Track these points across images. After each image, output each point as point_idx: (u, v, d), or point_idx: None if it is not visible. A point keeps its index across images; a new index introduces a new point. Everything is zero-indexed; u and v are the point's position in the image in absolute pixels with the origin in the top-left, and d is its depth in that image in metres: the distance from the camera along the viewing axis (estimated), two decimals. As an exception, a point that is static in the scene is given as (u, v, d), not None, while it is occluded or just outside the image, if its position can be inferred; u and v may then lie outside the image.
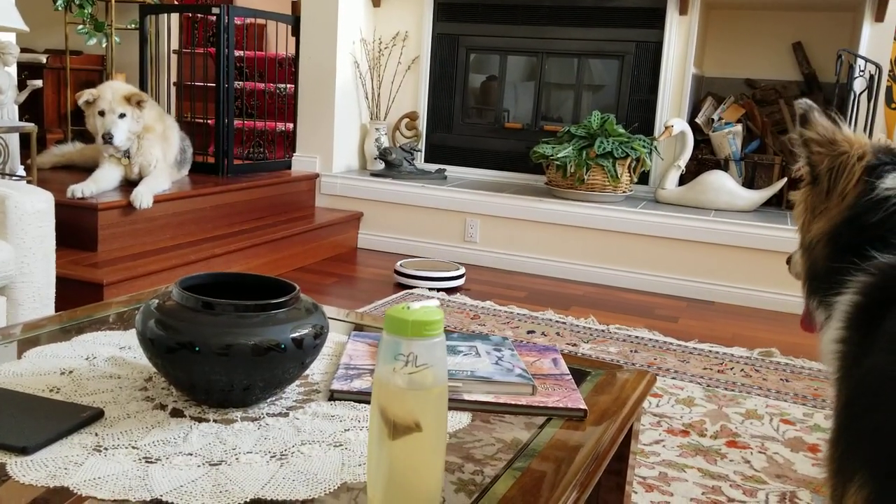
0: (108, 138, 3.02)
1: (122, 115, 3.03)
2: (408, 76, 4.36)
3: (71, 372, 1.12)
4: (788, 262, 1.26)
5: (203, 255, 2.97)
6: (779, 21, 3.94)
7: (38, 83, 2.94)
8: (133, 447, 0.91)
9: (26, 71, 4.40)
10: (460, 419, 1.07)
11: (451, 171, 4.30)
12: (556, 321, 2.93)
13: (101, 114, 3.04)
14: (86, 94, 3.05)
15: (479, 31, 4.26)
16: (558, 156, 3.64)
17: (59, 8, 4.29)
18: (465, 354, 1.26)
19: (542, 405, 1.12)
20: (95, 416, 0.97)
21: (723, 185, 3.68)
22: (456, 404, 1.09)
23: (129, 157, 3.11)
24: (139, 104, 3.07)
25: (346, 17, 4.12)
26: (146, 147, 3.13)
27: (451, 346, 1.29)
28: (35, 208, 1.97)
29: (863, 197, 1.02)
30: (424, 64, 4.34)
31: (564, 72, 4.22)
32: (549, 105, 4.28)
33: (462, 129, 4.37)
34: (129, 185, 3.10)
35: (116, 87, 3.12)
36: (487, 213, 3.79)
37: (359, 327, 1.49)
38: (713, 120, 3.93)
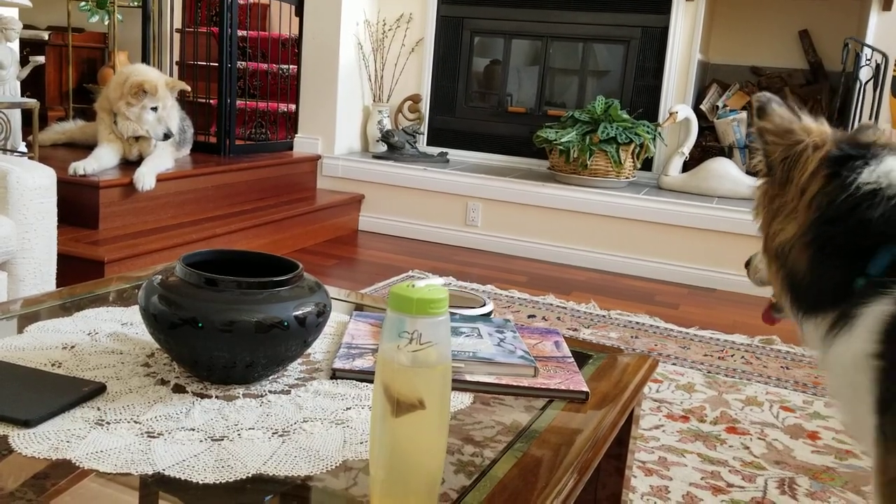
0: (168, 136, 2.98)
1: (165, 108, 2.99)
2: (411, 58, 4.34)
3: (73, 347, 1.12)
4: (747, 266, 1.17)
5: (204, 234, 2.97)
6: (785, 8, 3.91)
7: (41, 59, 2.92)
8: (135, 421, 0.91)
9: (28, 47, 4.37)
10: (462, 400, 1.07)
11: (454, 154, 4.29)
12: (557, 306, 2.93)
13: (154, 109, 2.97)
14: (144, 85, 2.92)
15: (484, 13, 4.23)
16: (561, 141, 3.63)
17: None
18: (467, 336, 1.26)
19: (543, 387, 1.12)
20: (97, 390, 0.97)
21: (727, 172, 3.67)
22: (458, 385, 1.09)
23: (136, 140, 3.07)
24: (175, 92, 3.04)
25: (349, -3, 4.09)
26: None
27: (454, 327, 1.29)
28: (37, 184, 1.97)
29: (836, 194, 0.91)
30: (428, 46, 4.32)
31: (569, 56, 4.20)
32: (553, 90, 4.26)
33: (465, 112, 4.36)
34: (127, 163, 3.09)
35: (159, 77, 3.03)
36: (489, 197, 3.79)
37: (359, 307, 1.49)
38: (718, 107, 3.92)
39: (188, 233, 2.93)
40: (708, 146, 3.90)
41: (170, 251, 2.72)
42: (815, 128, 1.00)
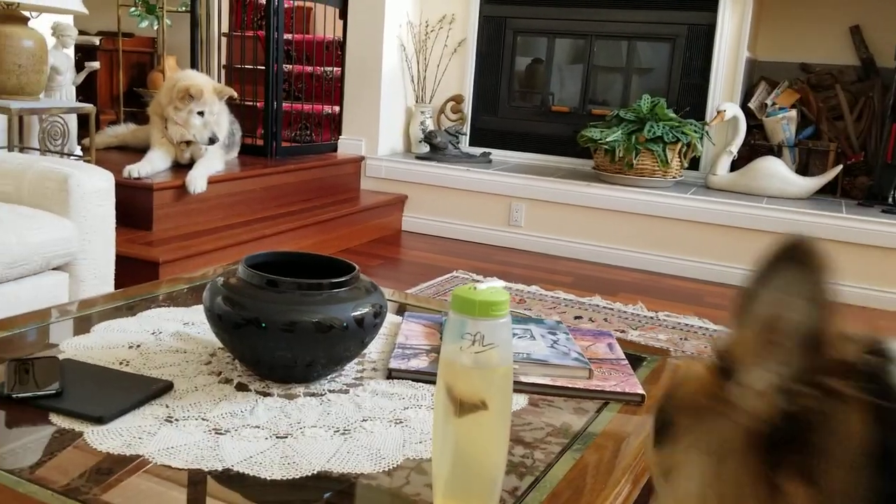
0: (214, 140, 3.02)
1: (213, 112, 3.04)
2: (454, 59, 4.35)
3: (139, 346, 1.16)
4: None
5: (254, 235, 3.02)
6: (836, 3, 3.84)
7: (96, 65, 2.99)
8: (203, 419, 0.93)
9: (80, 53, 4.48)
10: (517, 401, 1.08)
11: (497, 154, 4.29)
12: (604, 307, 2.92)
13: (201, 114, 3.01)
14: (190, 90, 2.96)
15: (526, 13, 4.23)
16: (607, 140, 3.61)
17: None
18: (520, 337, 1.26)
19: (599, 389, 1.12)
20: (165, 388, 1.00)
21: (776, 171, 3.61)
22: (514, 386, 1.10)
23: (187, 144, 3.11)
24: (222, 97, 3.09)
25: (393, 0, 4.12)
26: None
27: (506, 328, 1.30)
28: (96, 187, 2.02)
29: None
30: (470, 47, 4.33)
31: (613, 55, 4.17)
32: (597, 88, 4.24)
33: (508, 112, 4.36)
34: (178, 166, 3.15)
35: (207, 82, 3.08)
36: (533, 197, 3.78)
37: (406, 307, 1.50)
38: (766, 105, 3.86)
39: (238, 234, 2.98)
40: (756, 145, 3.84)
41: (221, 252, 2.77)
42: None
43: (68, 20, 2.95)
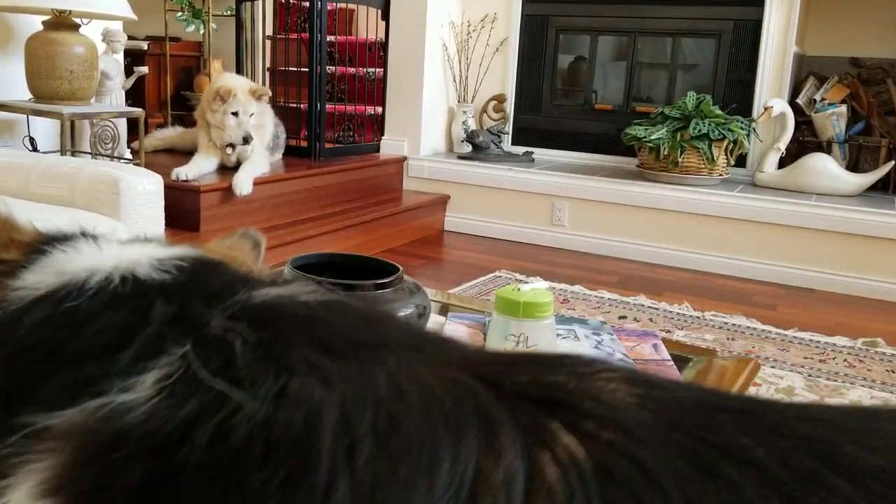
0: (247, 140, 3.04)
1: (251, 114, 3.07)
2: (496, 58, 4.35)
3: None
4: None
5: (298, 236, 3.05)
6: (888, -5, 3.74)
7: (145, 69, 3.05)
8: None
9: (129, 58, 4.58)
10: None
11: (539, 153, 4.27)
12: (649, 307, 2.89)
13: (235, 114, 3.05)
14: (220, 91, 3.01)
15: (569, 10, 4.20)
16: (651, 138, 3.57)
17: (161, -4, 4.45)
18: (563, 338, 1.26)
19: (644, 390, 1.11)
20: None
21: (825, 168, 3.53)
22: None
23: (233, 149, 3.15)
24: (260, 98, 3.12)
25: (435, 0, 4.13)
26: None
27: (550, 328, 1.29)
28: (146, 189, 2.07)
29: None
30: (513, 45, 4.31)
31: (657, 51, 4.12)
32: (641, 86, 4.20)
33: (550, 110, 4.34)
34: (224, 167, 3.20)
35: (243, 84, 3.12)
36: (576, 196, 3.76)
37: (449, 308, 1.51)
38: (815, 101, 3.78)
39: (283, 235, 3.02)
40: (805, 141, 3.76)
41: (266, 253, 2.80)
42: None
43: (118, 26, 3.02)
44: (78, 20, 2.64)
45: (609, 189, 3.67)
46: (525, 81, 4.35)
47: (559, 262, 3.53)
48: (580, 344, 1.23)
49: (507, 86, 4.36)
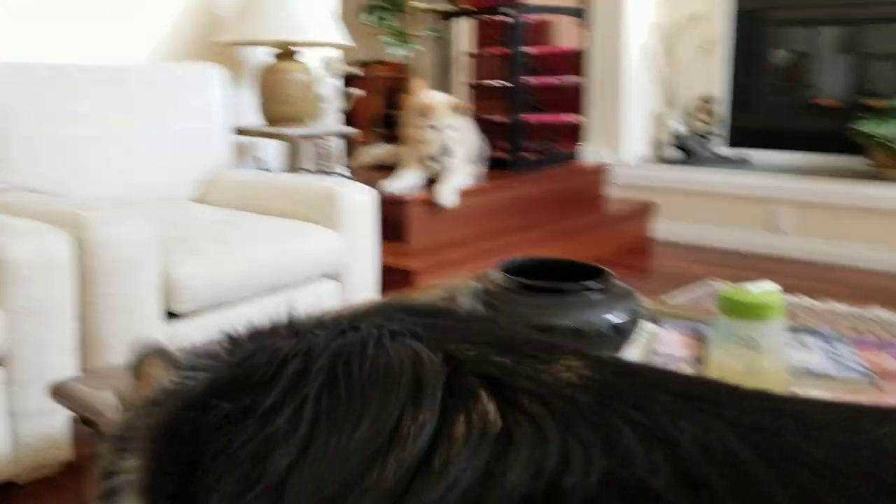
0: (447, 153, 3.15)
1: (451, 128, 3.18)
2: (702, 58, 4.16)
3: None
4: None
5: (500, 245, 3.08)
6: None
7: (361, 92, 3.23)
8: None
9: (344, 81, 4.89)
10: (793, 414, 0.99)
11: (754, 155, 4.02)
12: (887, 320, 2.61)
13: (434, 128, 3.15)
14: (419, 107, 3.16)
15: (785, 3, 3.93)
16: (886, 134, 3.24)
17: (367, 22, 4.71)
18: (793, 348, 1.16)
19: (887, 406, 0.99)
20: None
21: None
22: (787, 398, 1.01)
23: (437, 163, 3.25)
24: (459, 112, 3.21)
25: (634, 3, 4.03)
26: None
27: (775, 337, 1.20)
28: (360, 202, 2.19)
29: None
30: (722, 44, 4.10)
31: (888, 40, 3.74)
32: (869, 78, 3.82)
33: (765, 109, 4.07)
34: (430, 180, 3.31)
35: (443, 100, 3.23)
36: (798, 199, 3.48)
37: (661, 315, 1.44)
38: None
39: (486, 244, 3.07)
40: None
41: (470, 262, 2.86)
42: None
43: (337, 54, 3.22)
44: (303, 50, 2.86)
45: (836, 191, 3.37)
46: (737, 80, 4.12)
47: (779, 271, 3.29)
48: (812, 354, 1.13)
49: (717, 86, 4.15)
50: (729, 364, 0.70)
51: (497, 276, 1.08)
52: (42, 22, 2.36)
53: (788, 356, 0.77)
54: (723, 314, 0.70)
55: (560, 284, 1.03)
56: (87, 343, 1.63)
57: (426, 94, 3.35)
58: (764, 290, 0.70)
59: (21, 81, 2.05)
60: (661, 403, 0.40)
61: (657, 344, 1.23)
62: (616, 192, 4.10)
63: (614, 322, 1.02)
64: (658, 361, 1.14)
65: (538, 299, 1.02)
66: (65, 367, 1.56)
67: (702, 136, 3.96)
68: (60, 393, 1.12)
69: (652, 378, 0.43)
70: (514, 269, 1.14)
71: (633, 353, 1.22)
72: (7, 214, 1.70)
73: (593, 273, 1.13)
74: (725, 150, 4.09)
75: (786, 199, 3.52)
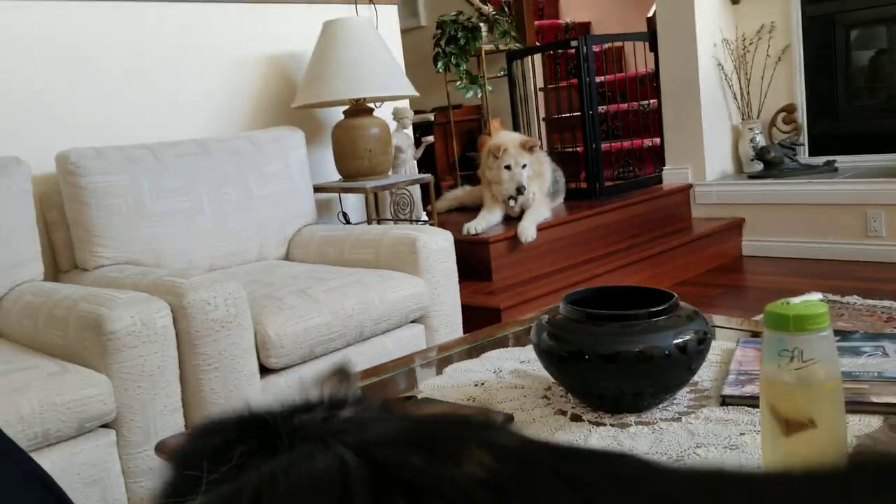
0: (521, 191, 3.21)
1: (523, 166, 3.25)
2: (778, 68, 4.08)
3: (483, 384, 1.27)
4: None
5: (584, 276, 3.09)
6: None
7: (431, 139, 3.33)
8: (538, 448, 1.00)
9: (418, 130, 5.03)
10: (869, 423, 0.98)
11: (841, 161, 3.89)
12: None
13: (507, 167, 3.24)
14: (490, 149, 3.24)
15: (858, 3, 3.83)
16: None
17: (440, 70, 4.86)
18: (870, 355, 1.15)
19: (975, 407, 0.97)
20: (507, 420, 1.08)
21: None
22: (863, 407, 1.00)
23: (514, 200, 3.30)
24: (531, 149, 3.27)
25: (703, 21, 4.01)
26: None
27: (854, 346, 1.19)
28: (439, 246, 2.26)
29: None
30: (796, 51, 4.02)
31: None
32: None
33: (849, 113, 3.95)
34: (509, 218, 3.36)
35: (513, 139, 3.30)
36: (890, 202, 3.35)
37: (743, 333, 1.44)
38: None
39: (569, 276, 3.08)
40: None
41: (555, 295, 2.88)
42: None
43: (405, 104, 3.35)
44: (372, 104, 2.99)
45: (931, 189, 3.23)
46: (816, 86, 4.01)
47: (880, 278, 3.16)
48: (889, 360, 1.12)
49: (796, 94, 4.06)
50: (781, 378, 0.72)
51: (564, 308, 1.12)
52: (126, 104, 2.56)
53: (838, 366, 0.76)
54: (768, 329, 0.72)
55: (623, 311, 1.06)
56: (189, 401, 1.75)
57: (497, 135, 3.43)
58: (807, 301, 0.72)
59: (119, 162, 2.21)
60: (556, 496, 0.39)
61: (734, 363, 1.23)
62: (702, 211, 4.04)
63: (681, 344, 1.04)
64: (730, 379, 1.15)
65: (603, 327, 1.06)
66: (171, 426, 1.68)
67: (785, 147, 3.87)
68: (165, 451, 1.22)
69: (551, 465, 0.42)
70: (579, 300, 1.18)
71: (709, 372, 1.22)
72: (110, 287, 1.85)
73: (660, 298, 1.15)
74: (808, 159, 3.98)
75: (877, 203, 3.39)
